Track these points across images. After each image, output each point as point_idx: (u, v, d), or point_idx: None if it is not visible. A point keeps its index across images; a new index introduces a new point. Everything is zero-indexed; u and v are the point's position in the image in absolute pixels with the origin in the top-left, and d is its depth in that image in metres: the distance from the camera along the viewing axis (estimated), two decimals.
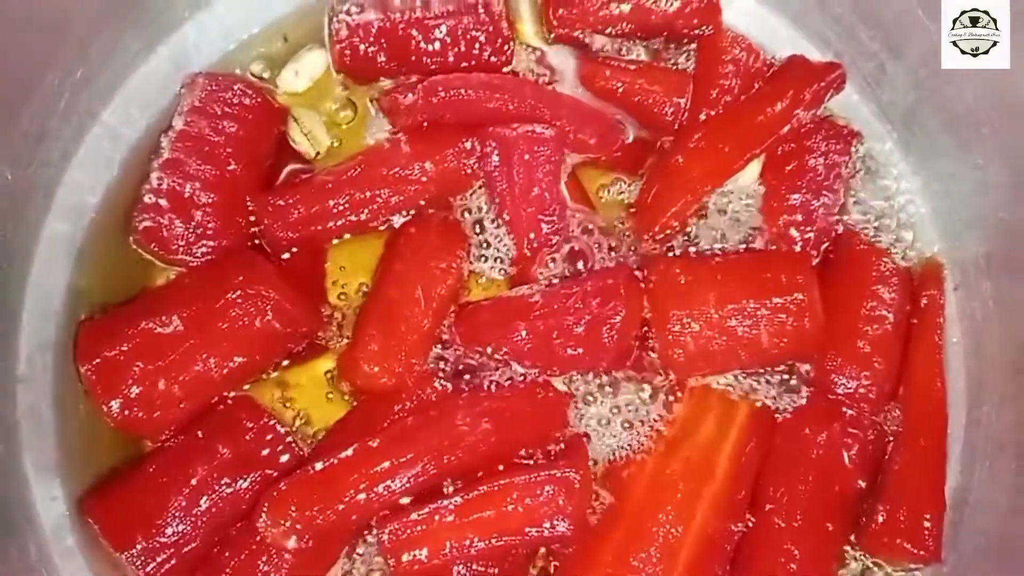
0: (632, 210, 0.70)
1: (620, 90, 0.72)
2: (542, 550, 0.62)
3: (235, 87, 0.67)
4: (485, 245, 0.67)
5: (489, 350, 0.63)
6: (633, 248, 0.69)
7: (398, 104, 0.68)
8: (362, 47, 0.70)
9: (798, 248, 0.68)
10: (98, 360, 0.58)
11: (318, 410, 0.63)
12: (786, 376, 0.66)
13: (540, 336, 0.62)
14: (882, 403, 0.66)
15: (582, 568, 0.59)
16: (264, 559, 0.56)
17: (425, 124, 0.69)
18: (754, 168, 0.71)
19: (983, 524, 0.63)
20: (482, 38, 0.70)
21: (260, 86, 0.70)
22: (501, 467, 0.60)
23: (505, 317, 0.63)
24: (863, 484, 0.64)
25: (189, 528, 0.57)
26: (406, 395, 0.62)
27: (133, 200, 0.65)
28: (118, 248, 0.65)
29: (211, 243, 0.63)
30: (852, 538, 0.64)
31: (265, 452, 0.59)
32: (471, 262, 0.67)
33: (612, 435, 0.63)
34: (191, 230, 0.64)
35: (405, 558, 0.55)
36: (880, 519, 0.63)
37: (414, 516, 0.56)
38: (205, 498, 0.57)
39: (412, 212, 0.68)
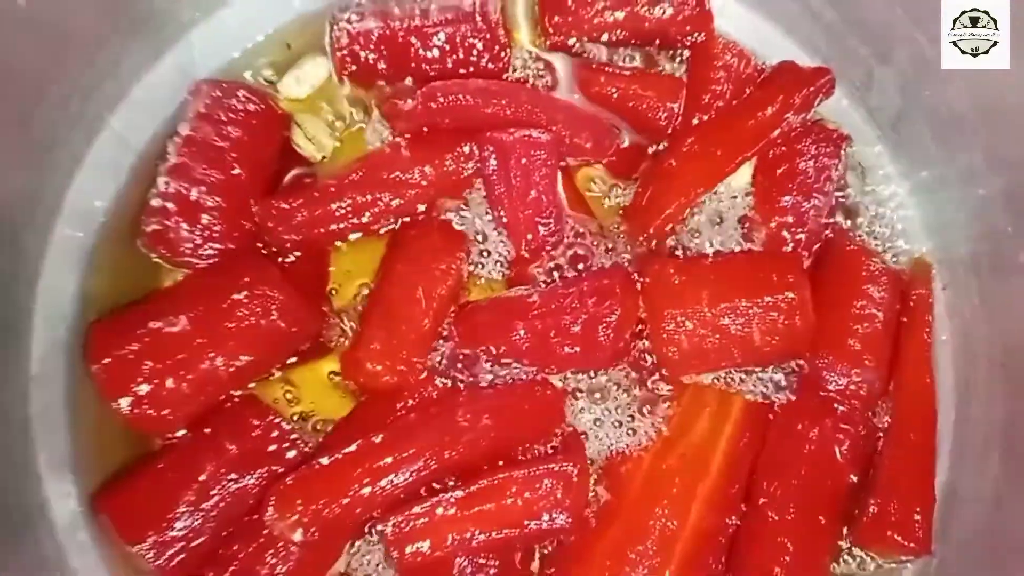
0: (627, 212, 0.70)
1: (615, 96, 0.72)
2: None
3: (239, 94, 0.68)
4: (484, 247, 0.68)
5: (489, 349, 0.63)
6: (628, 249, 0.69)
7: (398, 109, 0.68)
8: (363, 54, 0.70)
9: (789, 249, 0.68)
10: (108, 359, 0.59)
11: (322, 408, 0.64)
12: (779, 373, 0.66)
13: (538, 335, 0.63)
14: (873, 400, 0.66)
15: (581, 562, 0.60)
16: (271, 552, 0.57)
17: (425, 129, 0.69)
18: (746, 171, 0.72)
19: (971, 517, 0.64)
20: (479, 45, 0.71)
21: (264, 92, 0.70)
22: (501, 462, 0.60)
23: (504, 317, 0.64)
24: (855, 478, 0.65)
25: (198, 522, 0.57)
26: (408, 392, 0.62)
27: (141, 204, 0.65)
28: (127, 251, 0.66)
29: (217, 246, 0.64)
30: (844, 531, 0.64)
31: (271, 448, 0.60)
32: (470, 264, 0.67)
33: (609, 432, 0.64)
34: (198, 233, 0.64)
35: (408, 550, 0.56)
36: (871, 512, 0.64)
37: (417, 509, 0.56)
38: (214, 493, 0.58)
39: (412, 215, 0.67)
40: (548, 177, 0.68)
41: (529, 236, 0.67)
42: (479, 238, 0.68)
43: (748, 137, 0.70)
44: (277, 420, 0.61)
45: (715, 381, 0.66)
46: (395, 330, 0.63)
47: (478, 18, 0.71)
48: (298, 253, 0.67)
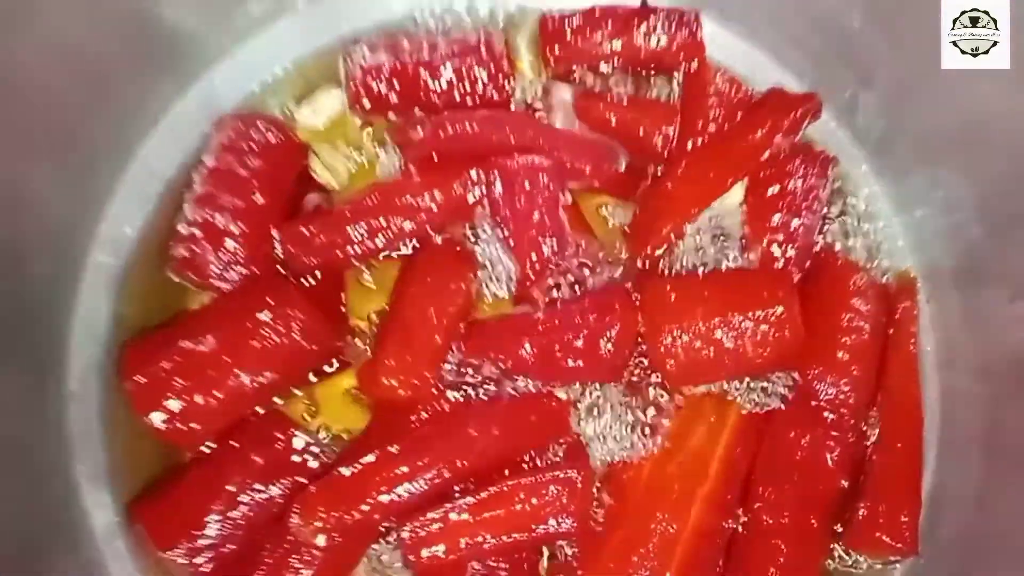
0: (626, 232, 0.73)
1: (613, 122, 0.74)
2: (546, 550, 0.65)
3: (259, 125, 0.71)
4: (491, 267, 0.70)
5: (497, 363, 0.65)
6: (627, 267, 0.71)
7: (409, 138, 0.71)
8: (375, 86, 0.73)
9: (780, 265, 0.70)
10: (141, 377, 0.62)
11: (341, 421, 0.67)
12: (772, 384, 0.68)
13: (543, 350, 0.65)
14: (861, 408, 0.68)
15: (587, 564, 0.62)
16: (296, 556, 0.59)
17: (434, 156, 0.71)
18: (738, 191, 0.73)
19: (955, 519, 0.66)
20: (485, 76, 0.73)
21: (283, 123, 0.73)
22: (507, 471, 0.62)
23: (511, 333, 0.66)
24: (845, 483, 0.67)
25: (227, 529, 0.60)
26: (422, 406, 0.65)
27: (169, 231, 0.68)
28: (156, 276, 0.68)
29: (241, 269, 0.66)
30: (837, 532, 0.67)
31: (294, 459, 0.63)
32: (478, 284, 0.69)
33: (611, 441, 0.66)
34: (223, 258, 0.66)
35: (424, 554, 0.59)
36: (861, 515, 0.66)
37: (431, 515, 0.59)
38: (241, 502, 0.61)
39: (424, 238, 0.70)
40: (550, 200, 0.70)
41: (533, 256, 0.69)
42: (486, 259, 0.70)
43: (739, 159, 0.72)
44: (299, 433, 0.64)
45: (712, 392, 0.67)
46: (409, 347, 0.65)
47: (483, 51, 0.73)
48: (317, 275, 0.69)
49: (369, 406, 0.67)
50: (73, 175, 0.65)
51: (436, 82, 0.73)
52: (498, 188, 0.70)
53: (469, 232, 0.72)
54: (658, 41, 0.75)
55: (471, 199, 0.71)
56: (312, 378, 0.67)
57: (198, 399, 0.62)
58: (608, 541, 0.63)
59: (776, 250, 0.71)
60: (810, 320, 0.67)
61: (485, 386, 0.66)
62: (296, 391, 0.67)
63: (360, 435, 0.66)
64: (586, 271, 0.70)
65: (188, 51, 0.72)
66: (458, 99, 0.73)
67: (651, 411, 0.67)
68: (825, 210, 0.74)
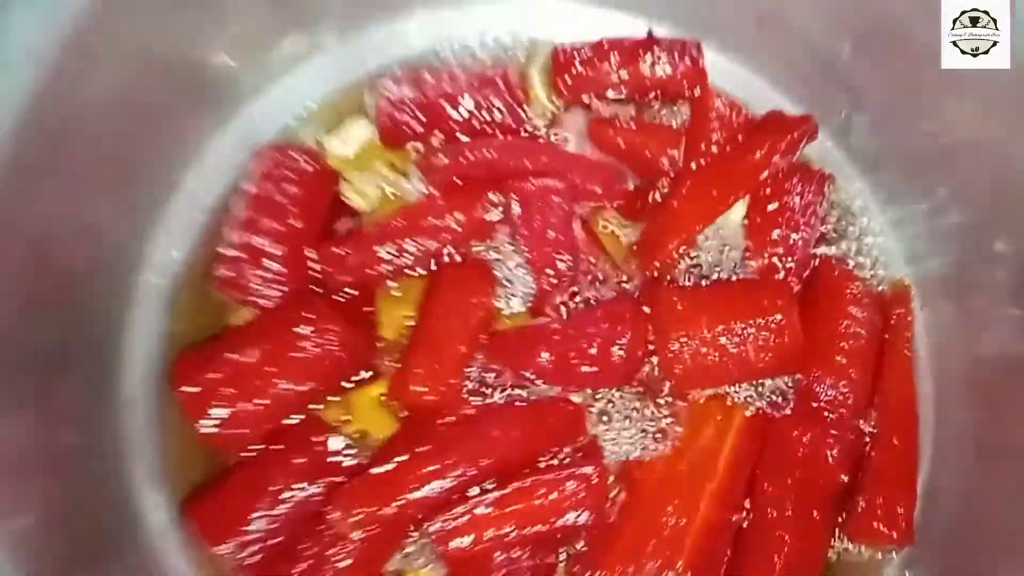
0: (635, 248, 0.76)
1: (622, 145, 0.77)
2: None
3: (294, 155, 0.74)
4: (510, 283, 0.73)
5: (517, 370, 0.69)
6: (637, 280, 0.74)
7: (433, 165, 0.74)
8: (400, 117, 0.76)
9: (780, 276, 0.73)
10: (191, 387, 0.65)
11: (374, 425, 0.69)
12: (775, 386, 0.71)
13: (559, 357, 0.68)
14: (859, 408, 0.71)
15: (604, 554, 0.65)
16: (334, 549, 0.62)
17: (456, 181, 0.74)
18: (740, 208, 0.76)
19: (949, 510, 0.69)
20: (502, 106, 0.76)
21: (316, 153, 0.75)
22: (528, 469, 0.66)
23: (529, 342, 0.70)
24: (845, 478, 0.70)
25: (272, 525, 0.63)
26: (448, 410, 0.68)
27: (213, 253, 0.71)
28: (202, 294, 0.72)
29: (281, 287, 0.70)
30: (838, 524, 0.70)
31: (332, 460, 0.66)
32: (499, 298, 0.73)
33: (625, 441, 0.69)
34: (264, 277, 0.70)
35: (453, 545, 0.62)
36: (860, 508, 0.69)
37: (459, 510, 0.62)
38: (284, 500, 0.64)
39: (448, 256, 0.73)
40: (564, 220, 0.73)
41: (549, 272, 0.72)
42: (506, 275, 0.73)
43: (741, 179, 0.75)
44: (336, 436, 0.67)
45: (718, 395, 0.71)
46: (435, 356, 0.69)
47: (500, 82, 0.76)
48: (350, 292, 0.72)
49: (399, 411, 0.70)
50: (127, 205, 0.68)
51: (457, 112, 0.76)
52: (515, 209, 0.73)
53: (489, 250, 0.74)
54: (663, 70, 0.78)
55: (491, 220, 0.74)
56: (346, 386, 0.70)
57: (243, 406, 0.65)
58: (622, 533, 0.66)
59: (776, 262, 0.74)
60: (810, 327, 0.70)
61: (506, 391, 0.70)
62: (332, 398, 0.70)
63: (391, 438, 0.68)
64: (598, 284, 0.74)
65: (228, 89, 0.75)
66: (477, 127, 0.76)
67: (661, 413, 0.70)
68: (823, 224, 0.77)
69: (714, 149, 0.77)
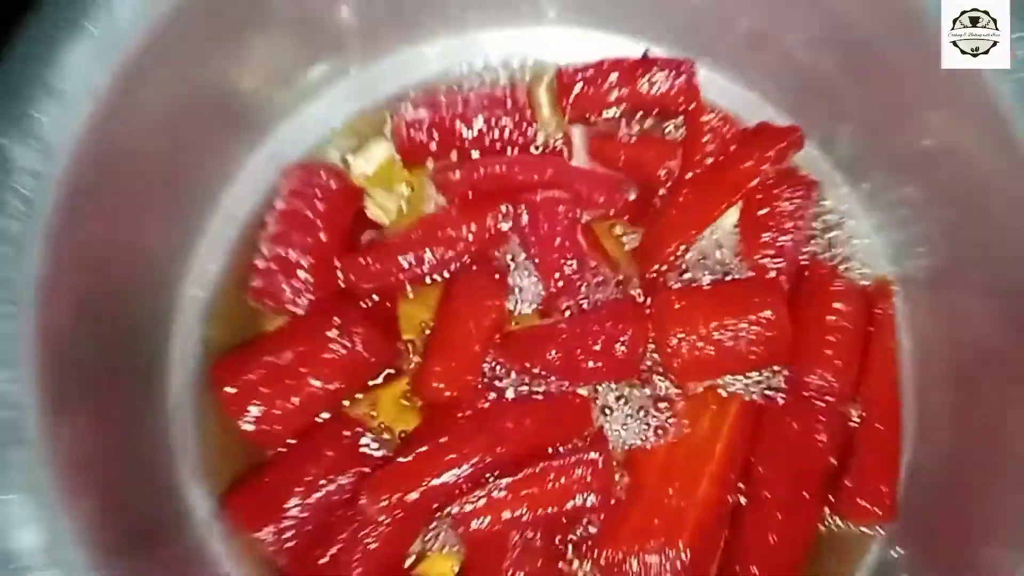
0: (637, 253, 0.80)
1: (623, 158, 0.83)
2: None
3: (321, 173, 0.79)
4: (520, 287, 0.78)
5: (528, 367, 0.73)
6: (638, 282, 0.79)
7: (448, 180, 0.79)
8: (417, 137, 0.81)
9: (771, 276, 0.77)
10: (230, 388, 0.71)
11: (398, 420, 0.74)
12: (767, 377, 0.76)
13: (567, 354, 0.73)
14: (846, 396, 0.75)
15: (611, 534, 0.70)
16: (365, 532, 0.67)
17: (469, 194, 0.79)
18: (733, 214, 0.80)
19: (930, 488, 0.73)
20: (510, 125, 0.82)
21: (340, 171, 0.81)
22: (539, 457, 0.70)
23: (539, 342, 0.74)
24: (834, 461, 0.73)
25: (306, 513, 0.68)
26: (465, 404, 0.72)
27: (248, 265, 0.76)
28: (238, 303, 0.77)
29: (311, 296, 0.75)
30: (827, 502, 0.73)
31: (360, 452, 0.71)
32: (510, 301, 0.77)
33: (628, 430, 0.74)
34: (295, 286, 0.75)
35: (472, 526, 0.67)
36: (848, 488, 0.73)
37: (477, 494, 0.67)
38: (317, 489, 0.69)
39: (463, 263, 0.78)
40: (569, 228, 0.78)
41: (556, 276, 0.77)
42: (516, 280, 0.78)
43: (733, 186, 0.80)
44: (363, 430, 0.72)
45: (715, 386, 0.75)
46: (452, 356, 0.74)
47: (508, 103, 0.82)
48: (374, 298, 0.77)
49: (420, 406, 0.75)
50: (170, 223, 0.74)
51: (469, 131, 0.81)
52: (525, 219, 0.78)
53: (501, 257, 0.79)
54: (659, 87, 0.83)
55: (502, 229, 0.79)
56: (372, 384, 0.75)
57: (278, 404, 0.71)
58: (628, 514, 0.70)
59: (767, 263, 0.78)
60: (799, 322, 0.75)
61: (518, 387, 0.74)
62: (359, 396, 0.75)
63: (413, 431, 0.74)
64: (602, 287, 0.78)
65: (259, 114, 0.81)
66: (488, 144, 0.82)
67: (661, 405, 0.75)
68: (810, 227, 0.81)
69: (708, 160, 0.82)
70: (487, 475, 0.70)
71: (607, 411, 0.75)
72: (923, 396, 0.77)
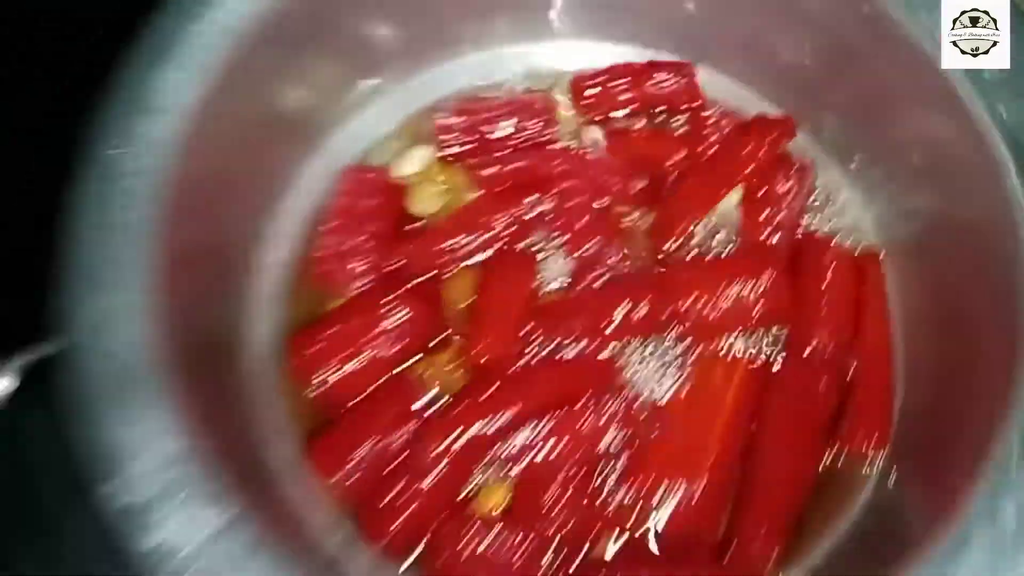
0: (650, 233, 0.87)
1: (634, 152, 0.90)
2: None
3: (372, 174, 0.87)
4: (549, 265, 0.86)
5: (559, 333, 0.80)
6: (654, 259, 0.86)
7: (481, 175, 0.87)
8: (453, 139, 0.89)
9: (771, 247, 0.85)
10: (301, 358, 0.79)
11: (447, 383, 0.80)
12: (770, 338, 0.83)
13: (593, 322, 0.79)
14: (842, 350, 0.81)
15: (638, 470, 0.76)
16: (423, 474, 0.74)
17: (501, 187, 0.86)
18: (735, 196, 0.87)
19: (920, 426, 0.77)
20: (535, 125, 0.90)
21: (387, 171, 0.88)
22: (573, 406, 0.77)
23: (568, 312, 0.81)
24: (832, 408, 0.79)
25: (370, 461, 0.75)
26: (504, 367, 0.78)
27: (311, 255, 0.84)
28: (304, 289, 0.84)
29: (365, 278, 0.83)
30: (828, 445, 0.79)
31: (416, 408, 0.78)
32: (541, 277, 0.84)
33: (650, 385, 0.81)
34: (352, 272, 0.83)
35: (515, 471, 0.76)
36: (846, 431, 0.79)
37: (519, 437, 0.75)
38: (381, 441, 0.76)
39: (497, 247, 0.85)
40: (591, 212, 0.87)
41: (580, 254, 0.85)
42: (545, 259, 0.86)
43: (733, 172, 0.88)
44: (418, 390, 0.79)
45: (726, 343, 0.82)
46: (492, 325, 0.80)
47: (532, 107, 0.91)
48: (421, 279, 0.84)
49: (466, 370, 0.80)
50: (245, 221, 0.83)
51: (499, 132, 0.89)
52: (551, 206, 0.86)
53: (531, 240, 0.86)
54: (664, 88, 0.92)
55: (530, 216, 0.86)
56: (423, 353, 0.82)
57: (345, 369, 0.79)
58: (654, 453, 0.77)
59: (767, 237, 0.86)
60: (797, 288, 0.83)
61: (550, 350, 0.81)
62: (413, 362, 0.81)
63: (461, 390, 0.80)
64: (621, 263, 0.86)
65: (315, 125, 0.88)
66: (516, 143, 0.89)
67: (677, 362, 0.82)
68: (804, 204, 0.88)
69: (711, 150, 0.90)
70: (527, 422, 0.77)
71: (630, 369, 0.82)
72: (911, 348, 0.82)
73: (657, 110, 0.94)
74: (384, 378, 0.81)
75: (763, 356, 0.83)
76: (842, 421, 0.80)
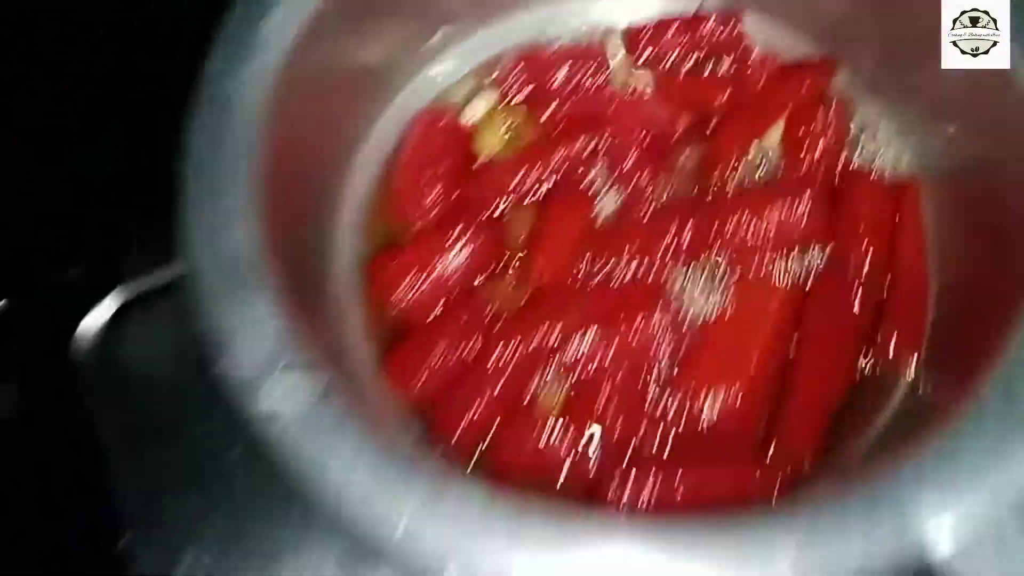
0: (698, 166, 0.91)
1: (683, 94, 0.95)
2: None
3: (442, 118, 0.93)
4: (603, 198, 0.91)
5: (611, 260, 0.84)
6: (699, 192, 0.90)
7: (541, 117, 0.94)
8: (516, 85, 0.95)
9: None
10: (380, 279, 0.87)
11: (511, 302, 0.86)
12: (812, 256, 0.87)
13: (643, 248, 0.85)
14: (878, 269, 0.86)
15: (687, 372, 0.83)
16: (488, 380, 0.82)
17: (560, 127, 0.92)
18: (776, 133, 0.91)
19: (949, 341, 0.82)
20: (591, 72, 0.96)
21: (456, 115, 0.94)
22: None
23: (620, 240, 0.87)
24: (868, 320, 0.84)
25: (444, 368, 0.83)
26: (561, 287, 0.84)
27: (387, 193, 0.91)
28: (380, 221, 0.91)
29: (437, 210, 0.91)
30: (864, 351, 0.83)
31: (484, 322, 0.86)
32: (596, 208, 0.89)
33: (696, 305, 0.86)
34: (425, 206, 0.89)
35: (572, 377, 0.83)
36: (880, 340, 0.84)
37: (576, 348, 0.83)
38: (451, 350, 0.83)
39: (557, 182, 0.90)
40: (641, 149, 0.93)
41: (631, 188, 0.89)
42: (599, 192, 0.92)
43: (777, 108, 0.93)
44: (486, 304, 0.87)
45: (769, 260, 0.87)
46: (550, 253, 0.86)
47: (589, 54, 0.97)
48: (488, 212, 0.90)
49: (526, 291, 0.86)
50: (331, 158, 0.91)
51: (558, 79, 0.95)
52: (605, 144, 0.91)
53: (587, 175, 0.90)
54: (712, 35, 0.98)
55: (586, 154, 0.91)
56: (488, 276, 0.89)
57: (418, 289, 0.87)
58: (699, 361, 0.83)
59: (807, 170, 0.92)
60: (837, 214, 0.88)
61: (603, 274, 0.87)
62: (480, 284, 0.89)
63: (523, 306, 0.88)
64: (669, 194, 0.92)
65: (391, 76, 0.97)
66: (573, 88, 0.94)
67: (722, 282, 0.88)
68: (844, 137, 0.93)
69: (755, 89, 0.96)
70: (583, 335, 0.84)
71: (678, 289, 0.88)
72: (944, 266, 0.86)
73: (705, 56, 0.97)
74: (454, 297, 0.87)
75: (803, 275, 0.89)
76: (878, 332, 0.86)
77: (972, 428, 0.64)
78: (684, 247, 0.89)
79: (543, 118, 0.95)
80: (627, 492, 0.78)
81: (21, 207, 1.05)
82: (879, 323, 0.87)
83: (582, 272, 0.90)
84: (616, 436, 0.84)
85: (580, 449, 0.83)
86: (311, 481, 0.62)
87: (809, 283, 0.89)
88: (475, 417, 0.84)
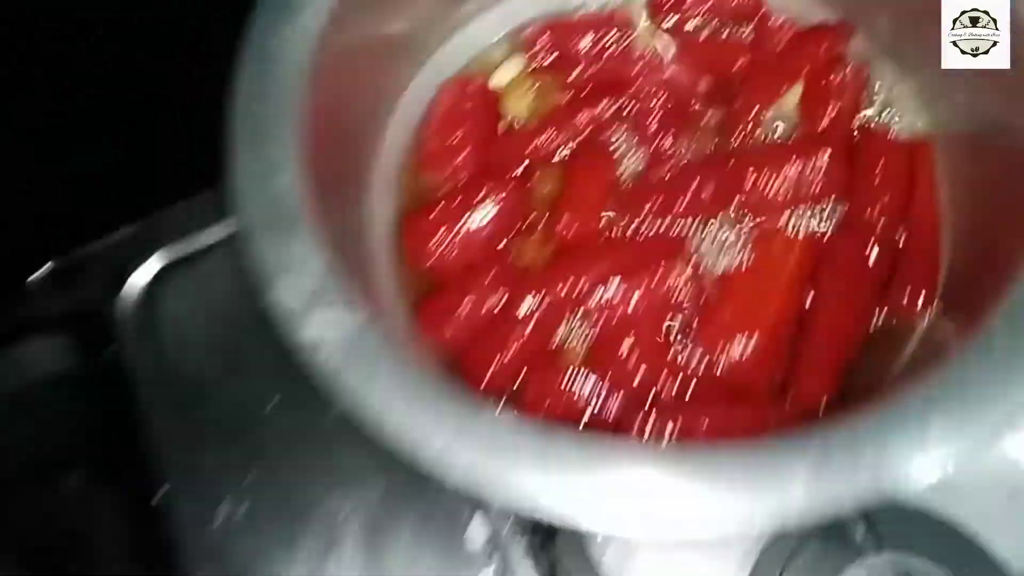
0: (719, 126, 0.96)
1: (705, 58, 1.00)
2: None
3: (472, 83, 0.94)
4: (627, 159, 0.95)
5: (634, 214, 0.91)
6: (722, 146, 0.95)
7: (566, 81, 0.94)
8: (542, 51, 1.00)
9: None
10: (414, 235, 0.92)
11: (537, 255, 0.91)
12: (827, 212, 0.91)
13: (665, 205, 0.89)
14: (893, 223, 0.89)
15: (705, 326, 0.86)
16: (517, 328, 0.86)
17: (584, 91, 0.93)
18: (796, 92, 0.93)
19: (963, 291, 0.85)
20: (614, 38, 0.99)
21: (484, 80, 0.96)
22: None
23: (642, 196, 0.91)
24: (884, 272, 0.87)
25: (473, 318, 0.87)
26: (584, 242, 0.90)
27: (420, 153, 0.97)
28: (414, 181, 0.96)
29: (467, 171, 0.95)
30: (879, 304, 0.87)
31: (512, 275, 0.90)
32: (619, 168, 0.94)
33: (716, 259, 0.90)
34: (455, 165, 0.95)
35: (596, 326, 0.87)
36: (895, 291, 0.87)
37: (600, 298, 0.87)
38: (482, 301, 0.87)
39: (581, 142, 0.95)
40: (664, 110, 0.96)
41: (654, 147, 0.95)
42: (623, 153, 0.95)
43: (795, 70, 0.95)
44: (513, 259, 0.91)
45: (785, 221, 0.91)
46: (576, 207, 0.91)
47: (612, 21, 1.01)
48: (516, 171, 0.95)
49: (553, 246, 0.92)
50: (367, 119, 0.94)
51: (583, 44, 0.96)
52: (628, 106, 0.92)
53: (610, 137, 0.96)
54: (732, 1, 1.01)
55: (609, 117, 0.93)
56: (516, 232, 0.93)
57: (450, 244, 0.91)
58: (719, 312, 0.87)
59: (824, 129, 0.95)
60: (854, 171, 0.91)
61: (627, 229, 0.92)
62: (508, 239, 0.94)
63: (549, 261, 0.92)
64: (692, 152, 0.96)
65: (421, 44, 0.99)
66: (597, 53, 0.97)
67: (741, 236, 0.91)
68: (861, 98, 0.95)
69: (774, 52, 1.00)
70: (606, 285, 0.88)
71: (699, 243, 0.92)
72: (958, 220, 0.90)
73: (724, 22, 0.98)
74: (483, 253, 0.94)
75: (820, 229, 0.92)
76: (891, 285, 0.89)
77: (979, 359, 0.67)
78: (706, 202, 0.92)
79: (568, 82, 0.95)
80: (649, 430, 0.81)
81: (67, 170, 1.10)
82: (894, 276, 0.90)
83: (606, 227, 0.94)
84: (638, 382, 0.87)
85: (604, 394, 0.86)
86: (352, 406, 0.66)
87: (826, 237, 0.92)
88: (504, 362, 0.88)
